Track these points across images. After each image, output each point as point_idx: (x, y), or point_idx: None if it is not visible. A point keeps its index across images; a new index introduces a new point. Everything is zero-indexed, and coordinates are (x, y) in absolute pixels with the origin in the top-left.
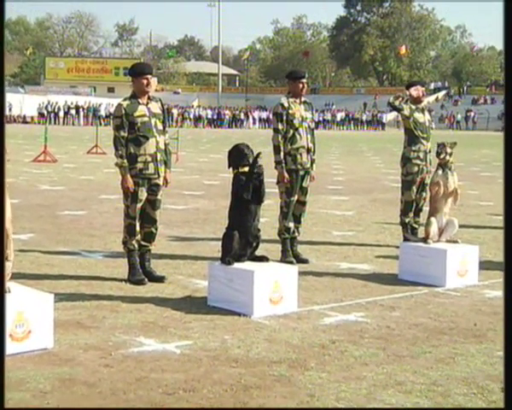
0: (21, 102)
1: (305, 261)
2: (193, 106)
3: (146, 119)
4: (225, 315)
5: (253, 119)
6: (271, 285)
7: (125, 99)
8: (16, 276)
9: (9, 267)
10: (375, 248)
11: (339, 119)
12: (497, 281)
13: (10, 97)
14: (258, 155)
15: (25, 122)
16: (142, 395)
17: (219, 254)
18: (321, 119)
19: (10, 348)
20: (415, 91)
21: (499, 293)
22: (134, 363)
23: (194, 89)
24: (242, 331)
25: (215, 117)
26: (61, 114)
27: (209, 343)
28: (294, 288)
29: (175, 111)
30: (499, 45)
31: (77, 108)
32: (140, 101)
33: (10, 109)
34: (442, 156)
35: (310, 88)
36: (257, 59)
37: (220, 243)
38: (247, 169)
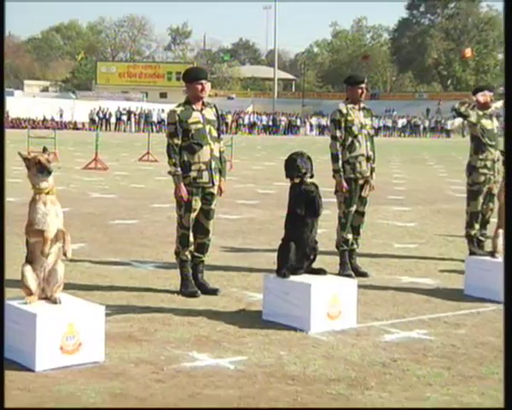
0: (72, 108)
1: (364, 275)
2: (247, 112)
3: (200, 125)
4: (281, 330)
5: (310, 125)
6: (329, 299)
7: (178, 105)
8: (67, 286)
9: (62, 273)
10: (439, 261)
11: (400, 125)
12: None
13: (61, 103)
14: (307, 170)
15: (76, 128)
16: None
17: (275, 267)
18: (381, 125)
19: (61, 360)
20: (482, 97)
21: None
22: (186, 378)
23: (249, 94)
24: (299, 347)
25: (270, 123)
26: (113, 120)
27: (264, 359)
28: (353, 302)
29: (229, 117)
30: None
31: (128, 113)
32: (194, 107)
33: (61, 115)
34: None
35: (369, 93)
36: (314, 63)
37: (276, 254)
38: (301, 180)
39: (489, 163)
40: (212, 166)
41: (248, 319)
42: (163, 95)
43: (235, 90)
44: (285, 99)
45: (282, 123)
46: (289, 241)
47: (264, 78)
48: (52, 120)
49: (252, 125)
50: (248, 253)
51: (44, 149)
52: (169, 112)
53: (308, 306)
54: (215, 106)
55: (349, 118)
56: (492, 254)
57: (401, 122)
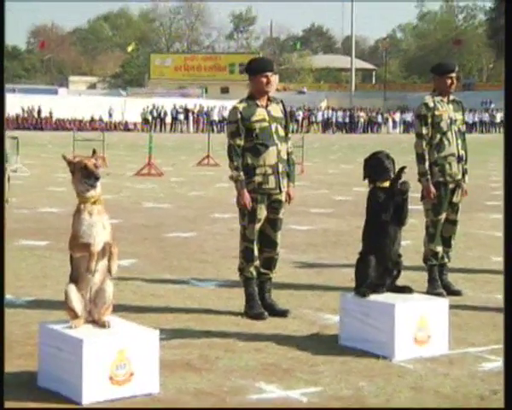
0: (123, 107)
1: (457, 293)
2: (321, 107)
3: (265, 124)
4: (360, 357)
5: (393, 122)
6: (416, 322)
7: (241, 101)
8: (116, 308)
9: (111, 292)
10: None
11: (499, 120)
12: None
13: (111, 101)
14: (403, 168)
15: (127, 129)
16: None
17: (353, 284)
18: (476, 120)
19: (110, 392)
20: None
21: None
22: None
23: (323, 87)
24: (381, 377)
25: (347, 120)
26: (168, 119)
27: (341, 391)
28: (445, 325)
29: (300, 114)
30: None
31: (186, 112)
32: (258, 103)
33: (110, 115)
34: None
35: (462, 83)
36: (397, 50)
37: (354, 270)
38: (387, 184)
39: None
40: (280, 170)
41: (323, 344)
42: (224, 90)
43: (306, 83)
44: (364, 92)
45: (361, 120)
46: (369, 254)
47: (340, 68)
48: (100, 120)
49: (326, 123)
50: (322, 269)
51: (94, 152)
52: (230, 109)
53: (392, 329)
54: (282, 101)
55: (437, 112)
56: None
57: (500, 116)
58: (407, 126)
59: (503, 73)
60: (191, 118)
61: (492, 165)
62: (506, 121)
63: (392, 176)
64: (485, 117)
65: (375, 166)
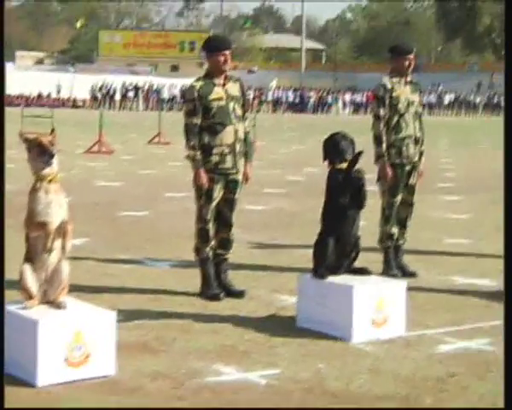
0: (71, 83)
1: (412, 275)
2: (271, 87)
3: (223, 103)
4: (319, 339)
5: (344, 102)
6: (374, 304)
7: (197, 79)
8: (70, 288)
9: (67, 273)
10: (499, 259)
11: (447, 102)
12: None
13: (59, 77)
14: (360, 153)
15: (75, 106)
16: None
17: (309, 265)
18: (425, 102)
19: (66, 374)
20: None
21: None
22: (211, 395)
23: (273, 66)
24: (340, 359)
25: (297, 100)
26: (118, 96)
27: (300, 373)
28: (402, 307)
29: (251, 93)
30: None
31: (136, 89)
32: (216, 81)
33: (59, 91)
34: None
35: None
36: (347, 31)
37: (308, 251)
38: (344, 166)
39: None
40: (237, 150)
41: (280, 326)
42: (174, 68)
43: (256, 62)
44: (314, 72)
45: (311, 100)
46: (327, 236)
47: (291, 48)
48: (48, 96)
49: (276, 103)
50: (278, 249)
51: (52, 131)
52: (187, 87)
53: (350, 311)
54: (240, 80)
55: (394, 94)
56: None
57: (448, 98)
58: (357, 107)
59: (452, 55)
60: (141, 95)
61: (442, 147)
62: (506, 122)
63: (350, 157)
64: (433, 99)
65: (332, 147)
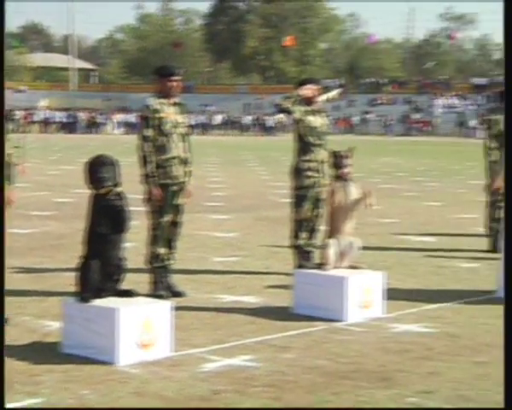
0: None
1: (181, 294)
2: (41, 107)
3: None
4: (84, 364)
5: (116, 123)
6: (140, 326)
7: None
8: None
9: None
10: (264, 276)
11: (219, 121)
12: (406, 312)
13: None
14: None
15: None
16: None
17: (74, 289)
18: (195, 122)
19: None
20: (307, 91)
21: (408, 327)
22: None
23: (42, 86)
24: (104, 384)
25: (68, 120)
26: None
27: (64, 401)
28: (168, 328)
29: (18, 114)
30: (398, 37)
31: None
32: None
33: None
34: (346, 171)
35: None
36: (118, 51)
37: (75, 275)
38: (104, 191)
39: (316, 165)
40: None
41: (44, 353)
42: None
43: (25, 82)
44: (86, 92)
45: (82, 120)
46: (91, 259)
47: (60, 67)
48: None
49: (46, 123)
50: (43, 273)
51: None
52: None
53: (114, 334)
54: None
55: (161, 115)
56: (322, 266)
57: (218, 118)
58: (130, 127)
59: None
60: None
61: (211, 166)
62: (506, 124)
63: (112, 182)
64: (204, 119)
65: (93, 173)
